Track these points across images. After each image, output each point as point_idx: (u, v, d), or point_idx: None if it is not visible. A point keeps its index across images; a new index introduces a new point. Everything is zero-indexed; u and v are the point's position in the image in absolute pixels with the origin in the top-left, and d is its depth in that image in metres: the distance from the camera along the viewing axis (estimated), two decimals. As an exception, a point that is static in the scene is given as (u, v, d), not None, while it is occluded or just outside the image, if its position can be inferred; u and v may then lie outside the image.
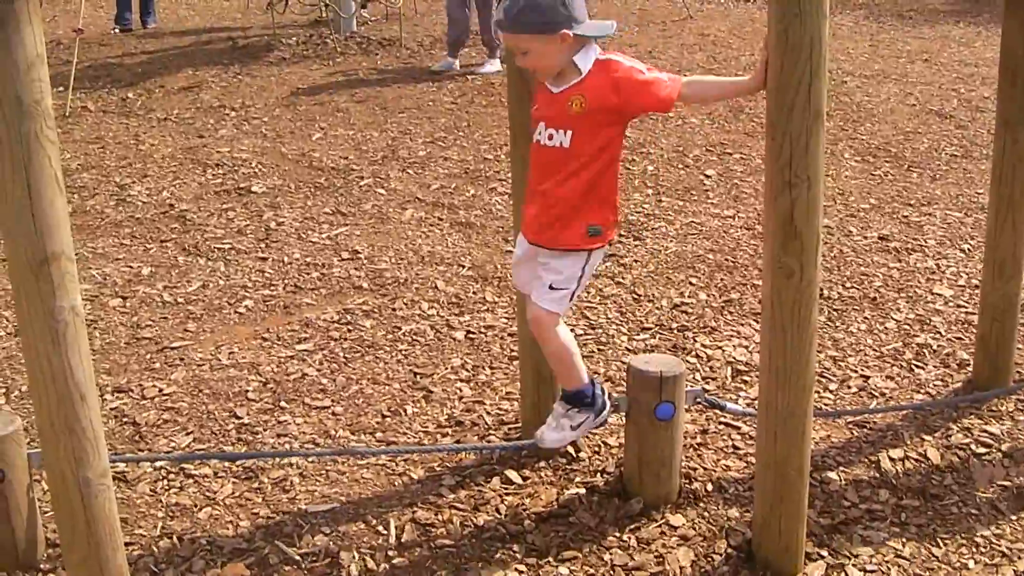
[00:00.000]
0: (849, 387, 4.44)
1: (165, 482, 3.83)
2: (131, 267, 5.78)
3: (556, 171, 3.25)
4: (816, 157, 2.92)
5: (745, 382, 4.46)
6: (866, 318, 5.05)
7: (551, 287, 3.34)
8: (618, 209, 3.36)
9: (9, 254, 2.68)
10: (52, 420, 2.79)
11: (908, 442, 4.01)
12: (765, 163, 3.01)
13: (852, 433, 4.09)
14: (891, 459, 3.89)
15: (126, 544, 3.29)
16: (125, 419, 4.26)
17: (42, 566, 3.39)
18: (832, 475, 3.80)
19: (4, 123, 2.55)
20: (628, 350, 4.73)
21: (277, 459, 3.95)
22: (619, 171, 3.34)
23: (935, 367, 4.59)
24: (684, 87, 3.23)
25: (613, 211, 3.33)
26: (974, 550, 3.43)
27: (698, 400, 3.74)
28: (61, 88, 9.04)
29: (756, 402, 3.54)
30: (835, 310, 5.14)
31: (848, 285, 5.42)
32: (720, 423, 4.13)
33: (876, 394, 4.38)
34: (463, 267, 5.66)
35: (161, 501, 3.73)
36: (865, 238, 6.07)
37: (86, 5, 10.81)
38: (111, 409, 4.31)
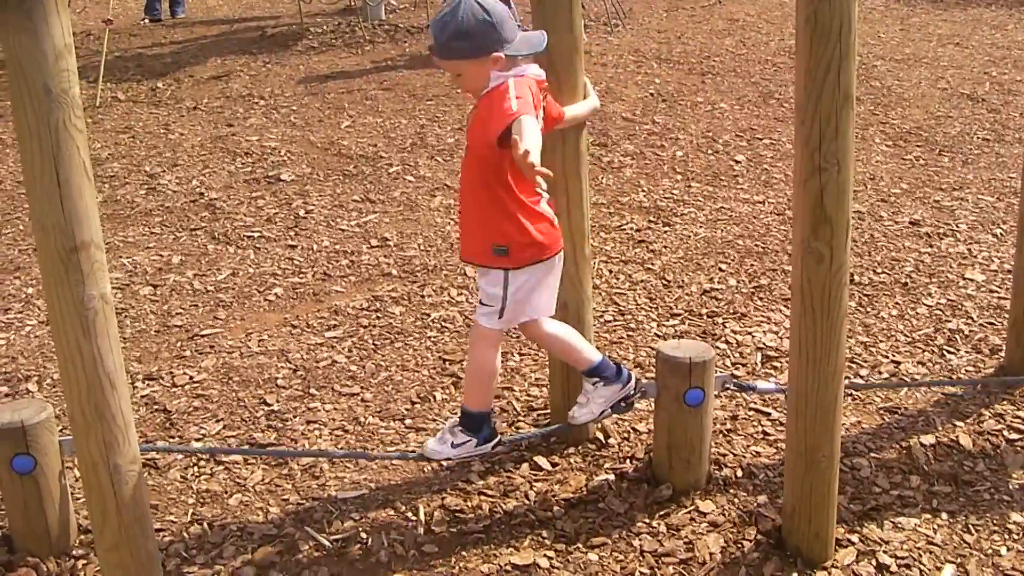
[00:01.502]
0: (880, 372, 4.41)
1: (196, 469, 3.85)
2: (161, 255, 5.81)
3: (463, 182, 3.33)
4: (846, 141, 2.90)
5: (775, 368, 4.44)
6: (897, 303, 5.02)
7: (481, 301, 3.37)
8: (531, 230, 3.23)
9: (39, 243, 2.69)
10: (83, 407, 2.80)
11: (939, 428, 3.98)
12: (794, 147, 2.99)
13: (883, 419, 4.07)
14: (922, 445, 3.87)
15: (157, 530, 3.32)
16: (156, 406, 4.28)
17: (74, 552, 3.41)
18: (863, 461, 3.78)
19: (33, 112, 2.57)
20: (657, 336, 4.72)
21: (307, 446, 3.97)
22: (526, 193, 3.25)
23: (967, 352, 4.56)
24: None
25: (521, 231, 3.23)
26: (1006, 536, 3.41)
27: (727, 386, 3.72)
28: (91, 78, 9.08)
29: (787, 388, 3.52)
30: (866, 295, 5.10)
31: (879, 270, 5.39)
32: (750, 409, 4.12)
33: (907, 380, 4.35)
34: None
35: (192, 487, 3.75)
36: (896, 223, 6.03)
37: (115, -5, 10.84)
38: (142, 396, 4.33)
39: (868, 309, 4.97)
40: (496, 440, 3.53)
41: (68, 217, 2.64)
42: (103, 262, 2.73)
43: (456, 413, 4.12)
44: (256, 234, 6.04)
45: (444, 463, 3.77)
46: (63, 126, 2.60)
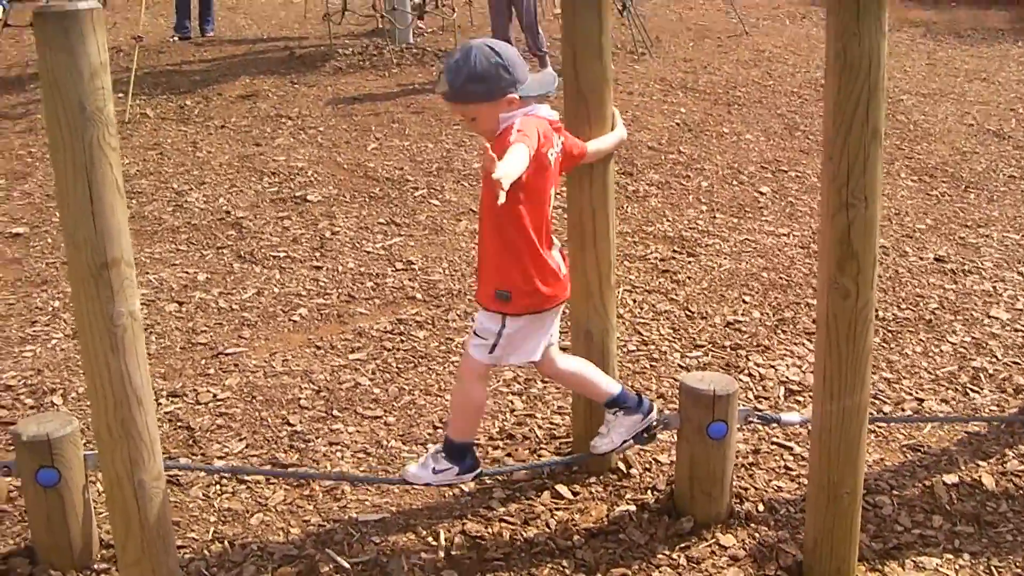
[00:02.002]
0: (903, 410, 4.40)
1: (218, 487, 3.86)
2: (187, 273, 5.84)
3: (480, 223, 3.36)
4: (874, 177, 2.90)
5: (798, 402, 4.43)
6: (921, 340, 5.01)
7: (475, 331, 3.38)
8: (536, 280, 3.25)
9: (70, 259, 2.72)
10: (109, 423, 2.83)
11: (962, 467, 3.97)
12: (821, 182, 3.00)
13: (906, 457, 4.06)
14: (945, 484, 3.86)
15: (178, 547, 3.33)
16: (179, 423, 4.30)
17: (96, 566, 3.43)
18: (885, 499, 3.76)
19: (67, 129, 2.60)
20: (680, 367, 4.72)
21: (329, 467, 3.98)
22: (541, 239, 3.27)
23: (991, 391, 4.55)
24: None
25: (526, 279, 3.25)
26: (1028, 578, 3.39)
27: (749, 419, 3.72)
28: (121, 95, 9.14)
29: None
30: (890, 331, 5.10)
31: (903, 306, 5.38)
32: (772, 443, 4.11)
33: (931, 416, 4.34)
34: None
35: (213, 506, 3.76)
36: (921, 259, 6.02)
37: (146, 13, 10.92)
38: (165, 413, 4.35)
39: (892, 345, 4.96)
40: (477, 471, 3.55)
41: (100, 234, 2.67)
42: (133, 279, 2.76)
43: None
44: (282, 254, 6.07)
45: (465, 488, 3.78)
46: (97, 143, 2.63)
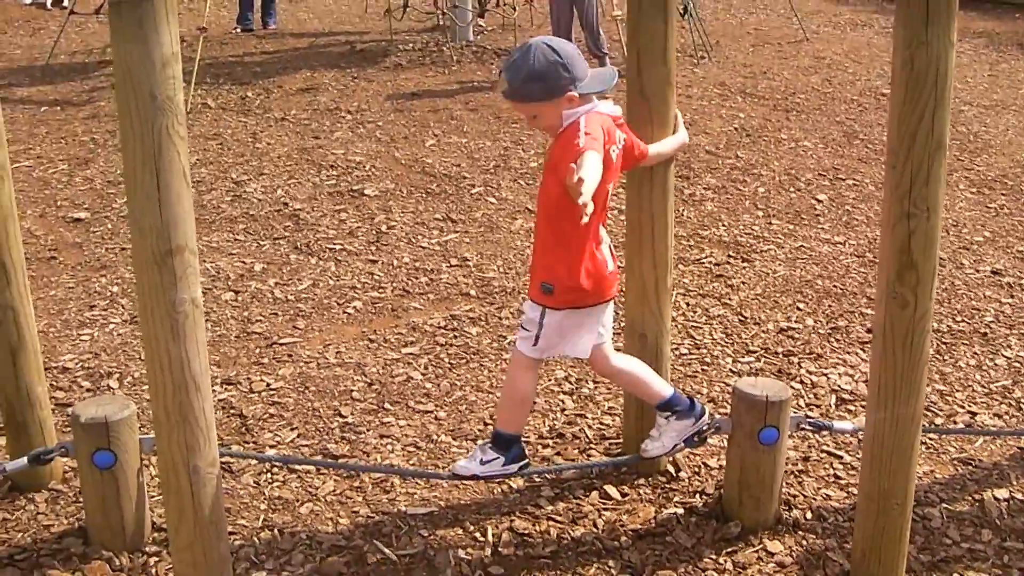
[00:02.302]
0: (955, 422, 4.37)
1: (268, 475, 3.90)
2: (244, 262, 5.90)
3: (537, 216, 3.38)
4: (936, 188, 2.89)
5: (849, 411, 4.42)
6: (975, 353, 4.97)
7: (521, 325, 3.42)
8: (581, 276, 3.27)
9: (135, 245, 2.76)
10: (167, 408, 2.86)
11: (1014, 483, 3.94)
12: (883, 191, 2.99)
13: (957, 470, 4.03)
14: (996, 499, 3.83)
15: (228, 533, 3.37)
16: (232, 411, 4.35)
17: (147, 549, 3.48)
18: (934, 511, 3.74)
19: (137, 118, 2.63)
20: (732, 372, 4.71)
21: (379, 460, 4.01)
22: (591, 235, 3.29)
23: (1046, 407, 4.51)
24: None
25: (570, 275, 3.27)
26: (1079, 596, 3.36)
27: (801, 427, 3.72)
28: (183, 84, 9.21)
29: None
30: (944, 343, 5.06)
31: (958, 318, 5.34)
32: (822, 451, 4.10)
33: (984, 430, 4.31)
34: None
35: (264, 493, 3.80)
36: (977, 271, 5.97)
37: (210, 5, 11.01)
38: (219, 400, 4.39)
39: (946, 357, 4.92)
40: (524, 463, 3.56)
41: (165, 221, 2.70)
42: (196, 267, 2.79)
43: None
44: (338, 246, 6.11)
45: (513, 485, 3.80)
46: (166, 132, 2.66)
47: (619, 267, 3.47)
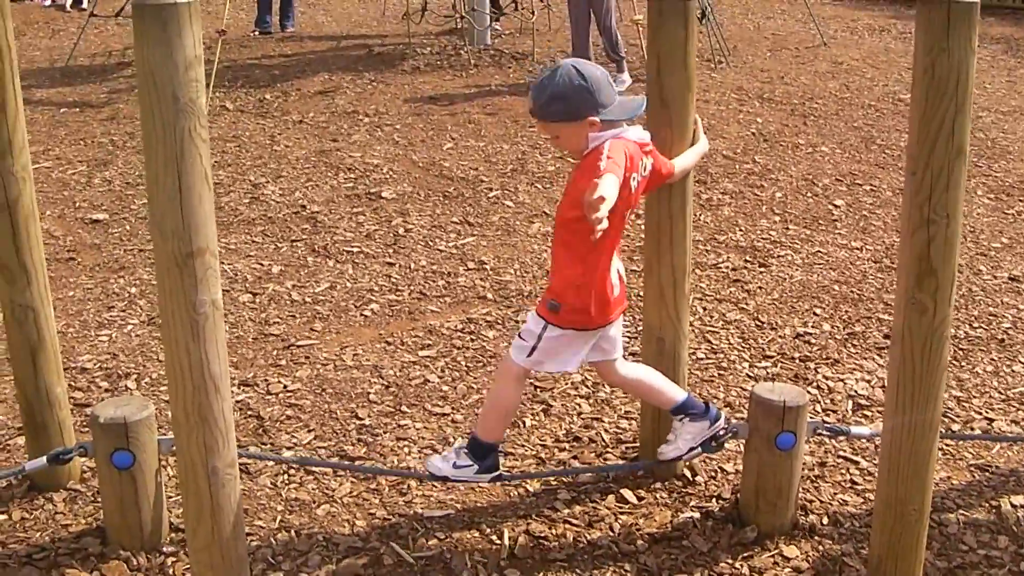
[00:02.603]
0: (972, 428, 4.36)
1: (286, 476, 3.92)
2: (262, 264, 5.92)
3: (554, 237, 3.40)
4: (956, 195, 2.89)
5: (866, 416, 4.41)
6: (993, 360, 4.96)
7: (519, 334, 3.42)
8: (589, 300, 3.28)
9: (156, 246, 2.77)
10: (186, 409, 2.87)
11: (1031, 489, 3.94)
12: (903, 197, 2.99)
13: (973, 476, 4.02)
14: (1012, 505, 3.82)
15: (246, 534, 3.38)
16: (250, 412, 4.36)
17: (165, 549, 3.49)
18: (951, 517, 3.74)
19: (160, 120, 2.64)
20: (749, 376, 4.71)
21: (396, 462, 4.02)
22: (604, 260, 3.29)
23: (1063, 414, 4.50)
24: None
25: (579, 297, 3.28)
26: (1096, 604, 3.36)
27: (818, 432, 3.72)
28: (202, 86, 9.24)
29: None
30: (961, 349, 5.05)
31: (975, 325, 5.33)
32: (839, 456, 4.10)
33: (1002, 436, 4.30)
34: (586, 284, 5.68)
35: (281, 495, 3.81)
36: (995, 278, 5.96)
37: (228, 7, 11.05)
38: (237, 402, 4.41)
39: (963, 364, 4.92)
40: (496, 474, 3.57)
41: (187, 223, 2.71)
42: (216, 269, 2.80)
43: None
44: (355, 249, 6.13)
45: (530, 488, 3.81)
46: (188, 134, 2.67)
47: (626, 287, 3.48)
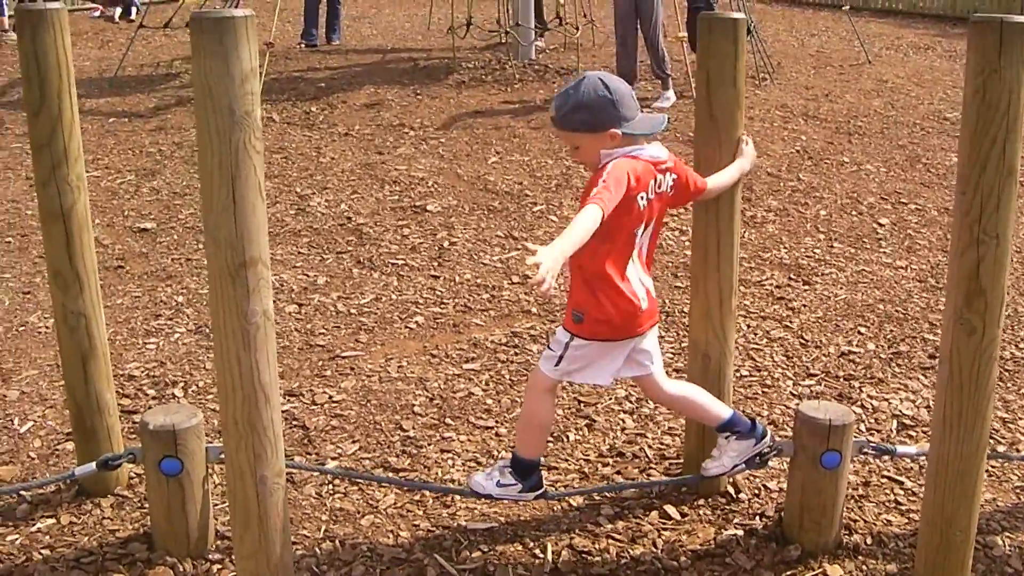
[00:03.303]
0: (1018, 450, 4.34)
1: (330, 487, 3.94)
2: (307, 275, 5.96)
3: None
4: (1007, 215, 2.89)
5: (910, 436, 4.39)
6: (1040, 381, 4.94)
7: (548, 346, 3.43)
8: (609, 309, 3.28)
9: (209, 256, 2.80)
10: (236, 418, 2.90)
11: (1079, 512, 3.91)
12: (953, 217, 2.98)
13: (1019, 498, 4.00)
14: (1060, 528, 3.80)
15: (291, 543, 3.40)
16: (295, 423, 4.39)
17: (211, 556, 3.51)
18: (997, 539, 3.71)
19: (216, 132, 2.68)
20: (793, 395, 4.70)
21: (440, 474, 4.03)
22: (616, 274, 3.28)
23: (1111, 437, 4.47)
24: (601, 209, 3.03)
25: (599, 308, 3.28)
26: None
27: (863, 451, 3.70)
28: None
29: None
30: (1007, 370, 5.02)
31: (1022, 345, 5.29)
32: (883, 476, 4.08)
33: (1047, 460, 4.28)
34: (630, 299, 5.68)
35: (326, 505, 3.83)
36: (1043, 299, 5.93)
37: (276, 20, 11.14)
38: (282, 412, 4.43)
39: (1009, 384, 4.89)
40: (541, 491, 3.58)
41: (240, 233, 2.74)
42: (268, 279, 2.84)
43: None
44: (400, 261, 6.16)
45: (573, 503, 3.82)
46: (243, 146, 2.71)
47: (658, 301, 3.46)
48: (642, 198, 3.21)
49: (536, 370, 3.46)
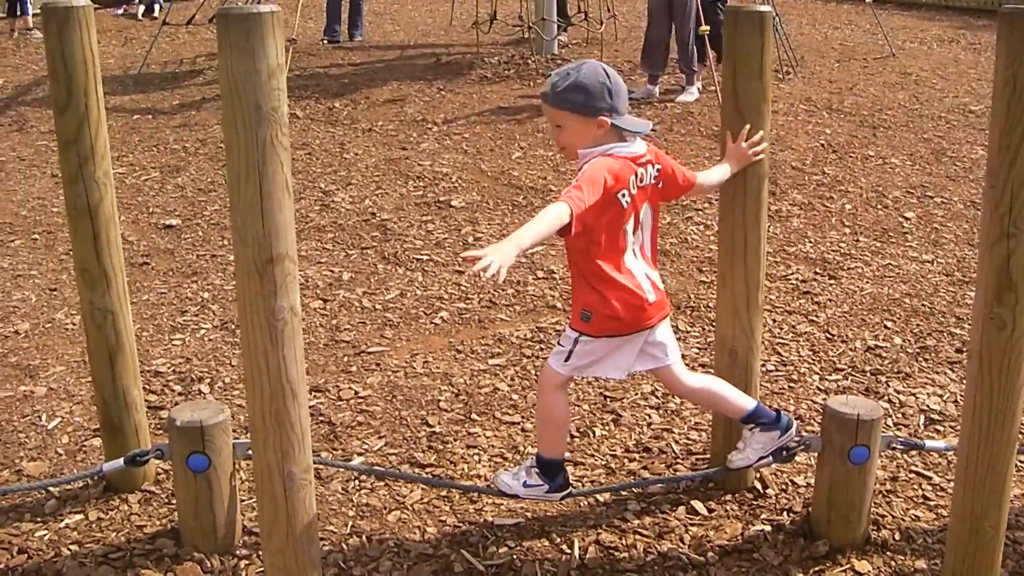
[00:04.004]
0: (1048, 445, 4.31)
1: (356, 482, 3.94)
2: (332, 271, 5.97)
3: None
4: (1038, 208, 2.86)
5: (938, 431, 4.37)
6: (1069, 376, 4.89)
7: (558, 342, 3.42)
8: (613, 303, 3.26)
9: (236, 253, 2.80)
10: (264, 414, 2.90)
11: (1110, 507, 3.88)
12: (982, 210, 2.96)
13: (1049, 493, 3.98)
14: (1090, 524, 3.77)
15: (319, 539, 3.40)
16: (321, 418, 4.40)
17: (238, 552, 3.52)
18: (1027, 535, 3.70)
19: (242, 127, 2.68)
20: (819, 390, 4.68)
21: (466, 470, 4.03)
22: (613, 269, 3.26)
23: None
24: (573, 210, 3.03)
25: (603, 303, 3.27)
26: None
27: (892, 446, 3.68)
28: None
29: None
30: (1036, 365, 4.98)
31: (1051, 340, 5.25)
32: (911, 471, 4.06)
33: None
34: (655, 294, 5.66)
35: (352, 500, 3.84)
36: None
37: (298, 17, 11.16)
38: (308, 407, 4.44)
39: (1038, 379, 4.85)
40: (567, 492, 3.56)
41: (267, 230, 2.74)
42: (295, 275, 2.83)
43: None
44: (425, 257, 6.17)
45: (600, 499, 3.81)
46: (270, 142, 2.71)
47: (666, 293, 3.44)
48: (623, 195, 3.20)
49: (546, 367, 3.45)
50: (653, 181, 3.32)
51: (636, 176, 3.25)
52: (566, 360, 3.37)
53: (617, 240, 3.26)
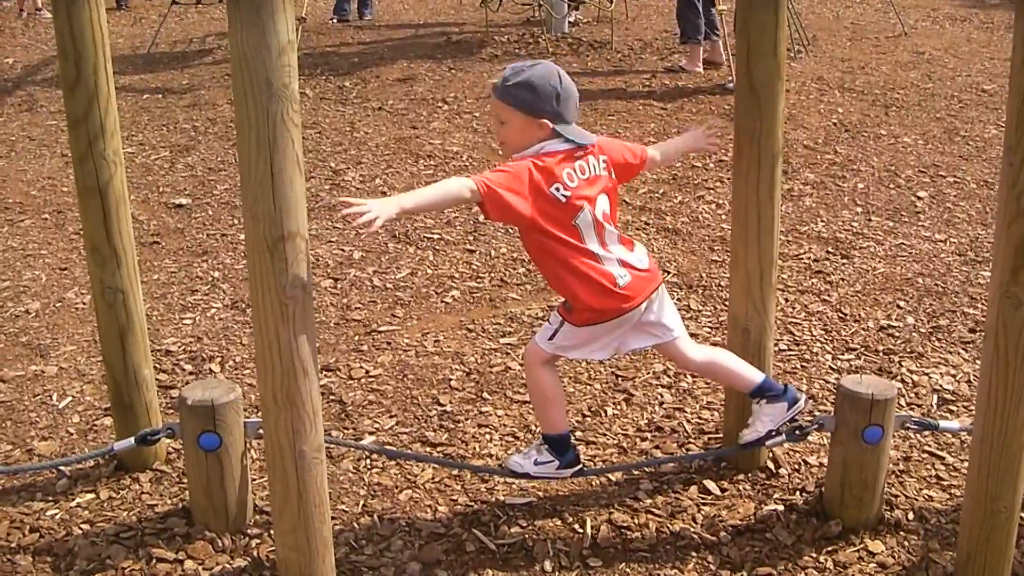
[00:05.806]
0: (1062, 425, 4.28)
1: (368, 461, 3.94)
2: (343, 250, 5.95)
3: None
4: (1055, 186, 2.83)
5: (951, 411, 4.35)
6: (1083, 356, 4.87)
7: (548, 319, 3.43)
8: (587, 296, 3.25)
9: (247, 231, 2.79)
10: (275, 392, 2.90)
11: (1124, 487, 3.85)
12: (999, 188, 2.93)
13: (1064, 473, 3.95)
14: (1105, 504, 3.75)
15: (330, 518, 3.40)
16: (332, 397, 4.39)
17: (249, 531, 3.51)
18: (1041, 514, 3.67)
19: (253, 105, 2.67)
20: (832, 369, 4.66)
21: (477, 449, 4.02)
22: (573, 258, 3.24)
23: None
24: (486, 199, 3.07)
25: (574, 296, 3.28)
26: None
27: (906, 426, 3.66)
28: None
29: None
30: (1050, 345, 4.96)
31: (1065, 320, 5.22)
32: (924, 452, 4.04)
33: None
34: (667, 273, 5.65)
35: (364, 479, 3.83)
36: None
37: (309, -6, 11.14)
38: (319, 386, 4.43)
39: (1052, 359, 4.82)
40: (578, 467, 3.55)
41: (278, 207, 2.73)
42: (306, 253, 2.82)
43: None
44: (436, 236, 6.15)
45: (612, 478, 3.80)
46: (281, 119, 2.70)
47: (646, 271, 3.37)
48: (558, 189, 3.18)
49: (531, 343, 3.45)
50: (604, 172, 3.32)
51: (574, 169, 3.23)
52: (551, 338, 3.37)
53: (570, 234, 3.23)
